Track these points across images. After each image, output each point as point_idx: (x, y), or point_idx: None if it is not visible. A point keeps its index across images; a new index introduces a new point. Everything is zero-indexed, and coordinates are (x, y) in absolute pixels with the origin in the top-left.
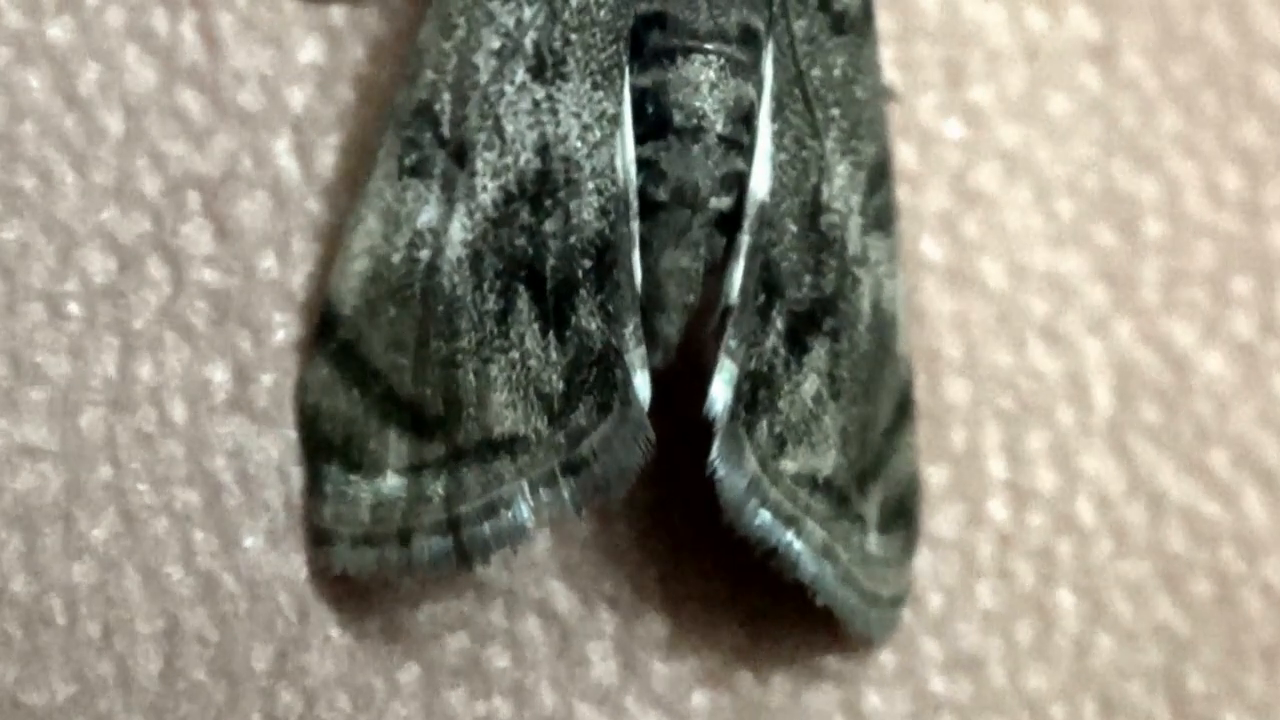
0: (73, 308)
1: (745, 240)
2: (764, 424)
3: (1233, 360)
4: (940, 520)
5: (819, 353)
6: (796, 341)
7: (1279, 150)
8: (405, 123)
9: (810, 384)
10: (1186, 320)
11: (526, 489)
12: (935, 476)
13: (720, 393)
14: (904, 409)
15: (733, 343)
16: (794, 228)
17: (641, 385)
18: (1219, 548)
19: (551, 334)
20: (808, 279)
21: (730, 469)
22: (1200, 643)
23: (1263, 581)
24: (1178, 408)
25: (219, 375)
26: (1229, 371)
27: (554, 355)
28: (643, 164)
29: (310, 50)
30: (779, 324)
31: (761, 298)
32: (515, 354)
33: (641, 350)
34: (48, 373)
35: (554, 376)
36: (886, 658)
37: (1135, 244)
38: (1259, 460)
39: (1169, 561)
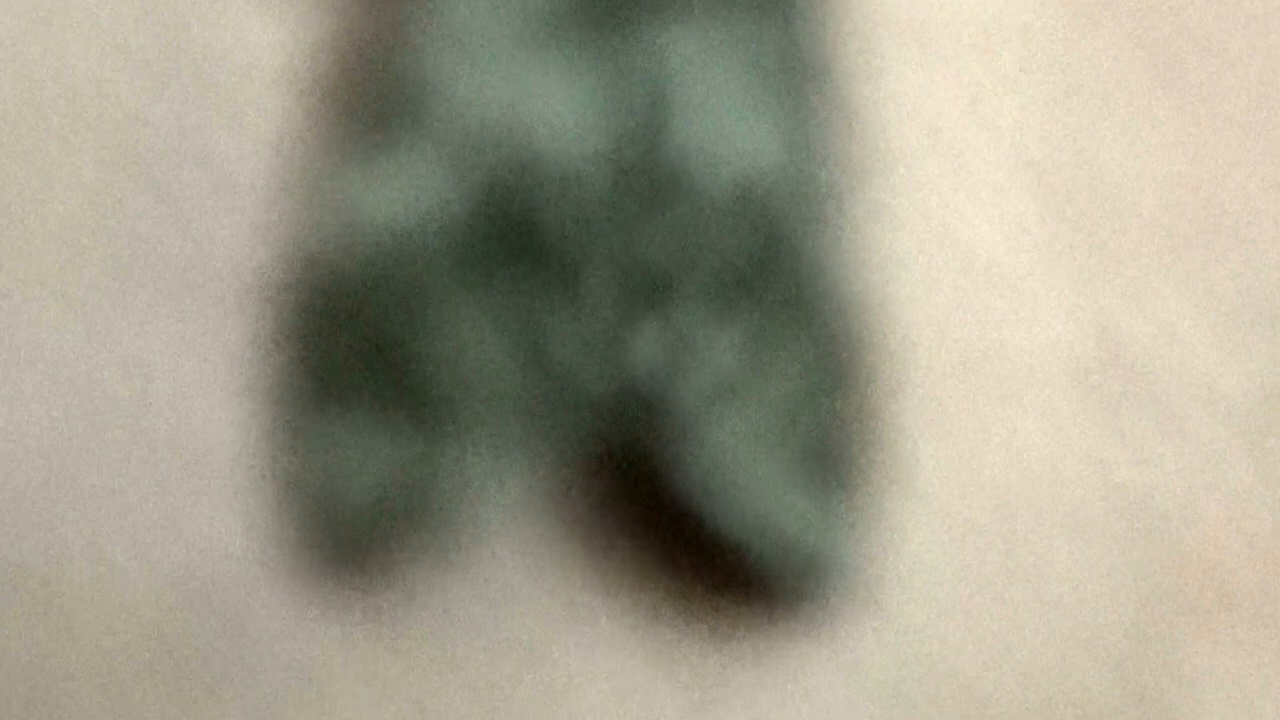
0: (30, 289)
1: (706, 217)
2: (711, 397)
3: None
4: (888, 492)
5: (759, 319)
6: (736, 310)
7: None
8: (372, 101)
9: (751, 352)
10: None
11: (497, 466)
12: (886, 448)
13: (670, 369)
14: (850, 374)
15: (677, 314)
16: (735, 201)
17: (599, 370)
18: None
19: (523, 314)
20: (747, 248)
21: (673, 440)
22: None
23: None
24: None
25: (186, 349)
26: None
27: (524, 334)
28: (609, 151)
29: (270, 30)
30: (731, 299)
31: (715, 276)
32: (485, 333)
33: (603, 336)
34: None
35: (524, 355)
36: (825, 628)
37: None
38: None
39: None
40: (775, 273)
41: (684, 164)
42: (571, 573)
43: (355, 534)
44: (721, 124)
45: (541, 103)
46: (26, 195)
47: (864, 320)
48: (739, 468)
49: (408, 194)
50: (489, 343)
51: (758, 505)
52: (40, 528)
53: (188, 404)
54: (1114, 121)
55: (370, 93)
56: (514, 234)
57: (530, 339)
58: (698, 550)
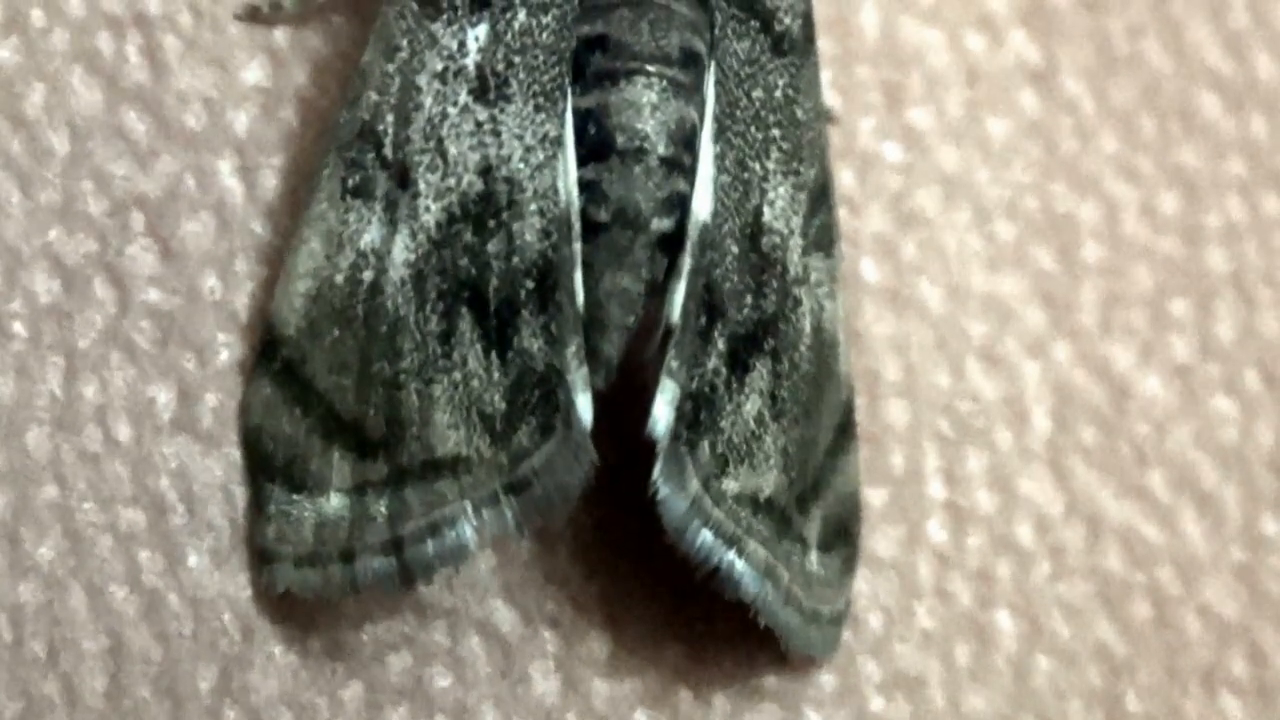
0: (17, 327)
1: (687, 262)
2: (706, 444)
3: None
4: (880, 540)
5: (760, 373)
6: (738, 362)
7: (1215, 173)
8: (348, 144)
9: (752, 404)
10: (1124, 343)
11: (469, 509)
12: (875, 497)
13: (662, 413)
14: (845, 429)
15: (674, 363)
16: (735, 249)
17: (584, 406)
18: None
19: (494, 355)
20: (749, 300)
21: (672, 489)
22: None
23: (1200, 603)
24: (1116, 430)
25: (163, 395)
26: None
27: (496, 376)
28: (584, 185)
29: (254, 72)
30: (720, 345)
31: (703, 319)
32: (458, 375)
33: (584, 371)
34: None
35: (496, 397)
36: (827, 677)
37: (1073, 267)
38: (1196, 482)
39: (1107, 583)
40: (783, 323)
41: (686, 211)
42: (564, 639)
43: (327, 591)
44: (727, 175)
45: (530, 151)
46: (27, 235)
47: (846, 370)
48: (748, 522)
49: (393, 244)
50: (478, 381)
51: (768, 559)
52: (38, 569)
53: (189, 448)
54: (1120, 161)
55: (360, 141)
56: (507, 276)
57: (524, 378)
58: (704, 614)
